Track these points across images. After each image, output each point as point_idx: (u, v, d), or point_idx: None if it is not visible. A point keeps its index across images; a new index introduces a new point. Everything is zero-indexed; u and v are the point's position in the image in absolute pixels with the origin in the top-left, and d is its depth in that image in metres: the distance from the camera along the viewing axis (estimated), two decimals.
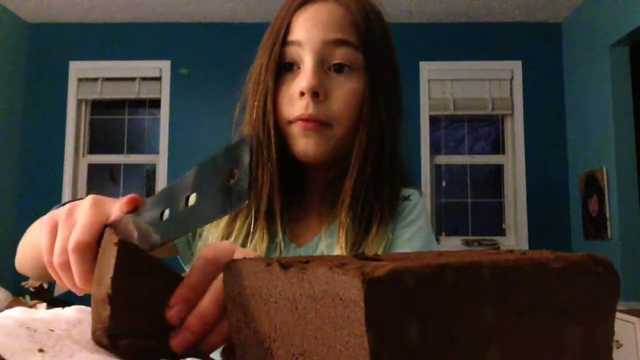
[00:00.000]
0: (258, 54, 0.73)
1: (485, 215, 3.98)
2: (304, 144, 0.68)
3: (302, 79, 0.67)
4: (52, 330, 0.33)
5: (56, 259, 0.40)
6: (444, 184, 3.95)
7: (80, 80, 3.97)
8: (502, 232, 3.87)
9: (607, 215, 3.29)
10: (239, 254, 0.37)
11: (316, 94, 0.66)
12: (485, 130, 4.10)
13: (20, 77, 3.95)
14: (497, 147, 3.99)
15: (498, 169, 3.97)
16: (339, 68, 0.68)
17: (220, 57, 3.84)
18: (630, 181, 3.27)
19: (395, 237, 0.72)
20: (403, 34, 3.92)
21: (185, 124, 3.86)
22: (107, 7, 3.77)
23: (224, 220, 0.71)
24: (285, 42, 0.69)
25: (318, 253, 0.72)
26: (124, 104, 4.09)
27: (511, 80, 3.88)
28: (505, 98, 3.87)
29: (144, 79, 3.95)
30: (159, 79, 3.95)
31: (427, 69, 3.88)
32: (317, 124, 0.67)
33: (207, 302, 0.34)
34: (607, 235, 3.29)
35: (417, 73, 3.87)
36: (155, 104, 4.00)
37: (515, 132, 3.86)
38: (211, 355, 0.36)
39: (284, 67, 0.70)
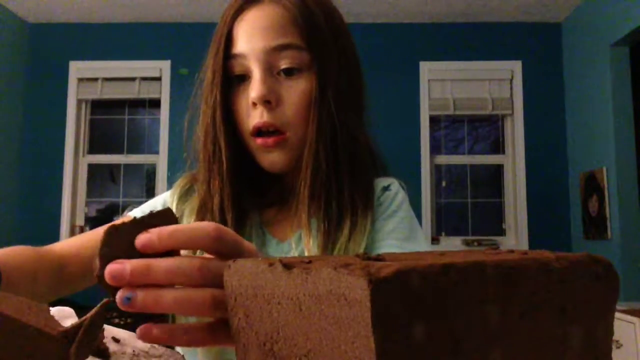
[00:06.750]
0: (205, 63, 0.73)
1: (485, 215, 3.97)
2: (268, 160, 0.69)
3: (252, 90, 0.67)
4: None
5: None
6: (444, 184, 3.95)
7: (80, 80, 3.97)
8: (502, 232, 3.87)
9: (607, 215, 3.29)
10: (218, 232, 0.35)
11: (268, 102, 0.67)
12: (485, 130, 4.10)
13: (20, 77, 3.95)
14: (497, 147, 3.99)
15: (498, 169, 3.97)
16: (288, 72, 0.68)
17: None
18: (630, 181, 3.27)
19: (377, 230, 0.71)
20: (403, 34, 3.96)
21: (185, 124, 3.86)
22: (107, 7, 3.77)
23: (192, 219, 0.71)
24: (230, 56, 0.69)
25: (300, 247, 0.71)
26: (124, 104, 4.09)
27: (511, 80, 3.88)
28: (505, 98, 3.87)
29: (144, 79, 3.95)
30: (159, 79, 3.95)
31: (427, 69, 3.88)
32: (275, 138, 0.67)
33: (161, 261, 0.32)
34: (607, 235, 3.29)
35: (417, 73, 3.87)
36: (155, 104, 4.00)
37: (515, 132, 3.86)
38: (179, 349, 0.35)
39: (236, 79, 0.70)
